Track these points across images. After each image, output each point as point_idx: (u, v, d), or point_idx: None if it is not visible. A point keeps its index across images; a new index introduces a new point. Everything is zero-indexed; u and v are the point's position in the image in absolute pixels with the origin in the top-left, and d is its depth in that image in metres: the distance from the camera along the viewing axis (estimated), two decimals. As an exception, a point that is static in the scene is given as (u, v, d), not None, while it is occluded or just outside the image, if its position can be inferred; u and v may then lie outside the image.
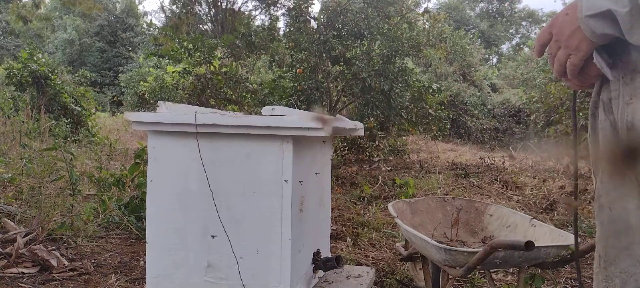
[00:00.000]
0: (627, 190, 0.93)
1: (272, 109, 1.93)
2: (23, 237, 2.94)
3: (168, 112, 1.98)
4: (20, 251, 2.73)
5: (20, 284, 2.49)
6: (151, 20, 34.62)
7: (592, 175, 1.07)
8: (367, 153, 7.56)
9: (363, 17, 6.92)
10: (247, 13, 26.14)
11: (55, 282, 2.55)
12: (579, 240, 1.22)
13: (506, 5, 37.59)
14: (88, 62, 28.75)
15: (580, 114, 6.67)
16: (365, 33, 6.88)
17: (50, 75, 9.64)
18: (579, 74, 0.98)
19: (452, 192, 5.36)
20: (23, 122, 6.84)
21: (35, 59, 9.67)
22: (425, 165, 7.49)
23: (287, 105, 5.78)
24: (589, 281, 2.86)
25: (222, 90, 7.16)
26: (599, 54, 0.94)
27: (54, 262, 2.68)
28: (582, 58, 0.95)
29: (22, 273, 2.60)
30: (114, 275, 2.71)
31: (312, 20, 7.30)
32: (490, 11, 37.78)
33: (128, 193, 3.89)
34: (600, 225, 1.01)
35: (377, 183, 5.76)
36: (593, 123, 1.04)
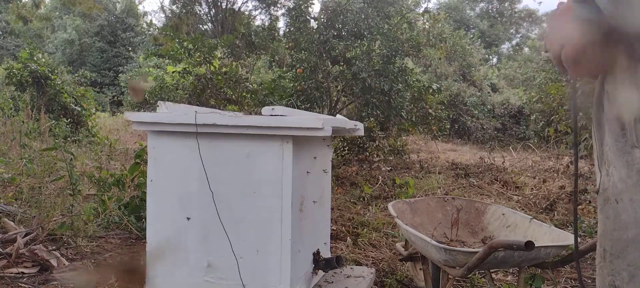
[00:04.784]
0: (634, 182, 0.91)
1: (272, 109, 1.94)
2: (23, 237, 2.94)
3: (168, 112, 1.98)
4: (20, 251, 2.73)
5: (20, 284, 2.49)
6: (151, 20, 34.56)
7: (595, 169, 1.04)
8: (367, 153, 7.56)
9: (363, 17, 6.92)
10: (247, 13, 26.13)
11: (55, 282, 2.55)
12: (578, 240, 1.20)
13: (506, 5, 37.56)
14: (88, 62, 28.72)
15: (580, 114, 6.66)
16: (365, 33, 6.88)
17: (50, 75, 9.63)
18: (576, 65, 0.97)
19: (452, 192, 5.36)
20: (23, 122, 6.83)
21: (35, 59, 9.67)
22: (425, 165, 7.49)
23: (287, 105, 5.78)
24: (589, 281, 2.86)
25: (222, 90, 7.16)
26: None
27: (54, 262, 2.68)
28: (575, 48, 0.93)
29: (22, 273, 2.60)
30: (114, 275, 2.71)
31: (312, 20, 7.30)
32: (490, 11, 37.76)
33: (128, 193, 3.89)
34: (605, 219, 0.98)
35: (377, 183, 5.76)
36: (598, 116, 1.01)
